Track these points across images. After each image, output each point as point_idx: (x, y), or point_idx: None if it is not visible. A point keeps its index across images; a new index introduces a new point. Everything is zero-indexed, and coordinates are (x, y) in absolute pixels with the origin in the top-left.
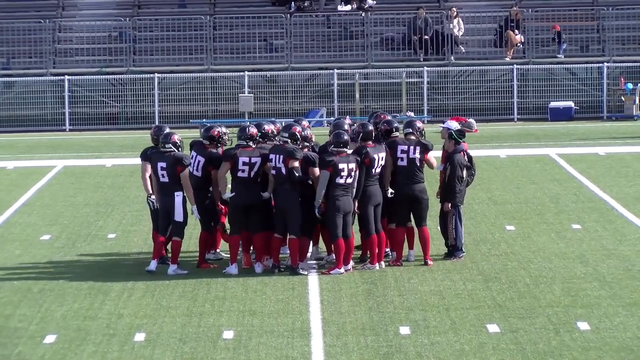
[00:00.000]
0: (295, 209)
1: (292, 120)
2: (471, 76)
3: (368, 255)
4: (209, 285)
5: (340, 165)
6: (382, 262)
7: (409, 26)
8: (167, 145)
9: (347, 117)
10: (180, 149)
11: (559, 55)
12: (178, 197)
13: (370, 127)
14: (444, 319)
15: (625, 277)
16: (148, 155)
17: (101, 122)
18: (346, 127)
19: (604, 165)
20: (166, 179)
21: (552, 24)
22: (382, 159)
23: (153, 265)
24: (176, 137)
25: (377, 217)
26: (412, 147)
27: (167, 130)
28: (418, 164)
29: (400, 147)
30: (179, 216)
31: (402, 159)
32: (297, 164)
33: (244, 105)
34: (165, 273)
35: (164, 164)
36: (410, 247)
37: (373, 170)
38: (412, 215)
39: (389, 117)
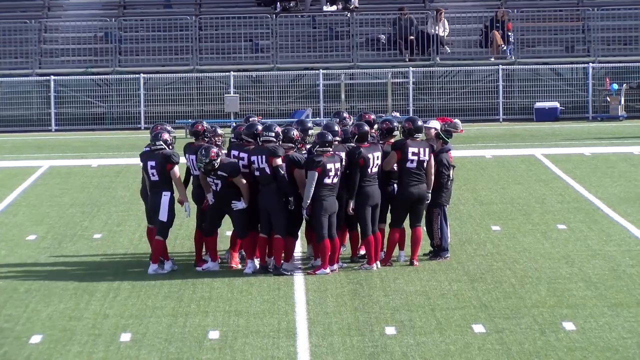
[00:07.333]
0: (280, 208)
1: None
2: (457, 76)
3: (358, 256)
4: (194, 286)
5: (328, 166)
6: (378, 262)
7: (394, 27)
8: (157, 143)
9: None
10: (171, 147)
11: (508, 57)
12: (165, 196)
13: (366, 128)
14: (429, 319)
15: (611, 278)
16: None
17: (87, 123)
18: (336, 127)
19: (590, 165)
20: (156, 177)
21: (538, 24)
22: (377, 159)
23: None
24: (167, 135)
25: (375, 218)
26: (422, 149)
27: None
28: (425, 165)
29: (410, 150)
30: (163, 216)
31: (412, 160)
32: (279, 161)
33: (230, 105)
34: (160, 274)
35: (153, 163)
36: (401, 248)
37: (369, 170)
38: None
39: (374, 116)
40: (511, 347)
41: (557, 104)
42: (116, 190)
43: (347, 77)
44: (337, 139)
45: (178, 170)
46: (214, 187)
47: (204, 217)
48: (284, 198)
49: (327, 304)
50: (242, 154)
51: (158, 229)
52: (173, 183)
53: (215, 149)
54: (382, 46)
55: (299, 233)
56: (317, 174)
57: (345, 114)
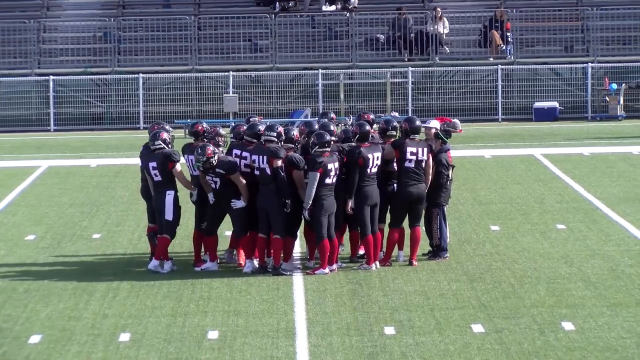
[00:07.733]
0: (279, 208)
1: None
2: (456, 76)
3: (357, 256)
4: (193, 286)
5: (329, 166)
6: (377, 262)
7: (392, 26)
8: (156, 143)
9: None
10: (170, 146)
11: (507, 57)
12: (169, 195)
13: (367, 128)
14: (428, 319)
15: (610, 277)
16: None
17: (86, 123)
18: (332, 127)
19: (589, 165)
20: (159, 177)
21: (537, 24)
22: (377, 159)
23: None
24: (165, 134)
25: (374, 218)
26: (420, 149)
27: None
28: (423, 165)
29: (409, 149)
30: (169, 215)
31: (410, 160)
32: (280, 162)
33: (229, 105)
34: (160, 273)
35: (154, 163)
36: (400, 248)
37: (368, 170)
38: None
39: (373, 116)
40: (510, 347)
41: (556, 104)
42: (115, 190)
43: (346, 77)
44: (334, 138)
45: (180, 167)
46: (213, 185)
47: (203, 217)
48: (283, 199)
49: (326, 304)
50: (244, 154)
51: (165, 228)
52: (177, 180)
53: (211, 147)
54: (381, 46)
55: (298, 233)
56: (318, 174)
57: (332, 115)
